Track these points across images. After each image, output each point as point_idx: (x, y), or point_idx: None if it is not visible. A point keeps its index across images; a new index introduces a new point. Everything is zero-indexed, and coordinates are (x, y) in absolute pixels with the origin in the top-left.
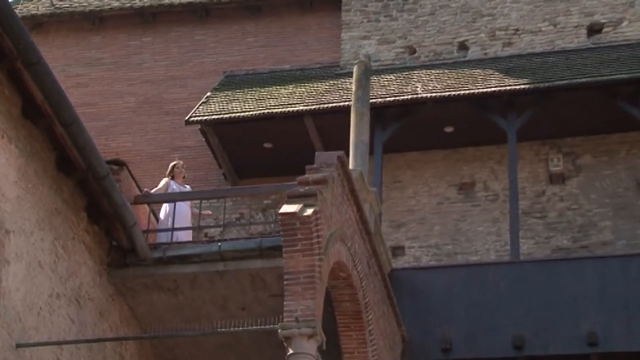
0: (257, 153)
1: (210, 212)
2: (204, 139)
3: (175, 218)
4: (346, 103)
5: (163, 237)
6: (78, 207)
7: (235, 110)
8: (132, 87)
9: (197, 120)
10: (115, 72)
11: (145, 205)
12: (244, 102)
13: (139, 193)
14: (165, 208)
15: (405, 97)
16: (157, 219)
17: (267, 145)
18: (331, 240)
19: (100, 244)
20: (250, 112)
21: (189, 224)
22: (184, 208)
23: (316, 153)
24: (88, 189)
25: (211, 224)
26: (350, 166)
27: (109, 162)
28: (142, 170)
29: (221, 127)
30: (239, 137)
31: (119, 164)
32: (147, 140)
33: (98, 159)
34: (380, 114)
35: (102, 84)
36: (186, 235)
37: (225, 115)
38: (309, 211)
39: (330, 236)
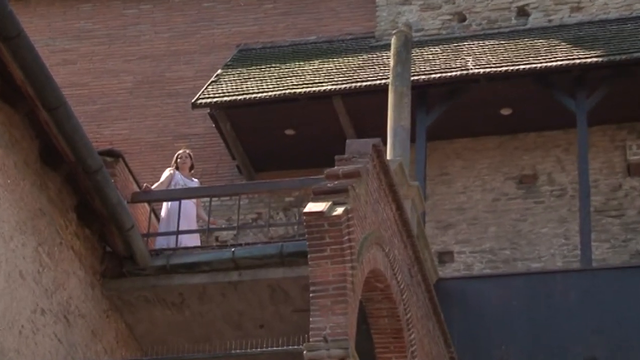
0: (277, 141)
1: (215, 221)
2: (213, 125)
3: (181, 219)
4: (383, 81)
5: (166, 242)
6: (66, 207)
7: (250, 91)
8: (128, 64)
9: (205, 103)
10: (109, 46)
11: (145, 204)
12: (261, 81)
13: (137, 189)
14: (168, 207)
15: (454, 73)
16: (159, 220)
17: (289, 132)
18: (365, 245)
19: (92, 250)
20: (269, 93)
21: (195, 225)
22: (191, 207)
23: (347, 141)
24: (77, 185)
25: (223, 226)
26: (388, 156)
27: (101, 153)
28: (141, 162)
29: (234, 110)
30: (256, 123)
31: (114, 155)
32: (147, 127)
33: (89, 149)
34: (424, 94)
35: (93, 60)
36: (193, 240)
37: (239, 97)
38: (339, 210)
39: (364, 240)
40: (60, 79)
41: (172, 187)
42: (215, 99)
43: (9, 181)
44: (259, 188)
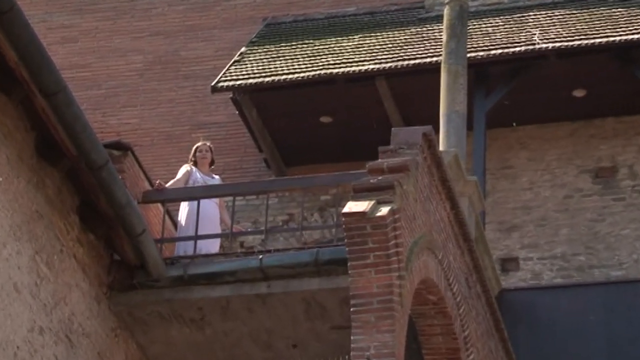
0: (311, 130)
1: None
2: (237, 112)
3: (201, 222)
4: (434, 59)
5: (183, 249)
6: (67, 209)
7: (280, 72)
8: (137, 41)
9: (227, 86)
10: (115, 21)
11: (159, 205)
12: (292, 60)
13: (149, 188)
14: (185, 208)
15: (518, 49)
16: (175, 223)
17: (325, 119)
18: (415, 251)
19: (97, 258)
20: (301, 74)
21: (219, 230)
22: (212, 208)
23: (393, 129)
24: (80, 183)
25: (249, 229)
26: (441, 147)
27: (107, 146)
28: (154, 156)
29: (261, 95)
30: (286, 109)
31: (122, 148)
32: (160, 114)
33: (93, 141)
34: (483, 74)
35: (97, 38)
36: (215, 246)
37: (267, 79)
38: (384, 210)
39: (413, 245)
40: (59, 59)
41: (191, 184)
42: (238, 82)
43: (0, 179)
44: (291, 185)
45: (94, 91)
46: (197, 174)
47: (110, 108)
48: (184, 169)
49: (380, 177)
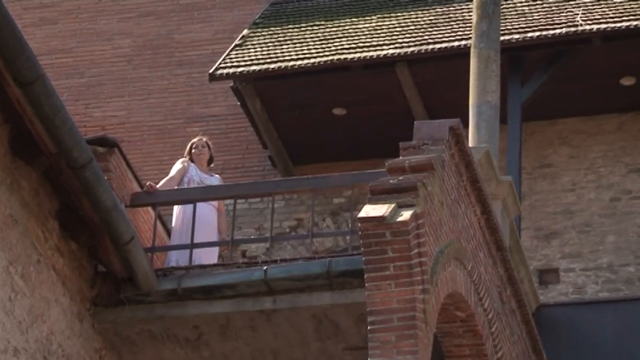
0: (322, 124)
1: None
2: (238, 104)
3: (197, 228)
4: (463, 42)
5: (177, 259)
6: (45, 214)
7: (286, 57)
8: (125, 23)
9: (227, 74)
10: (100, 0)
11: (149, 209)
12: (301, 44)
13: (138, 189)
14: (179, 212)
15: (558, 31)
16: (168, 229)
17: (339, 111)
18: (441, 261)
19: (79, 270)
20: (311, 60)
21: (217, 237)
22: (210, 212)
23: (416, 123)
24: (60, 184)
25: (252, 237)
26: (470, 143)
27: (91, 142)
28: (144, 153)
29: (265, 84)
30: (294, 100)
31: (108, 144)
32: (151, 106)
33: (74, 137)
34: (518, 60)
35: (79, 19)
36: (213, 255)
37: (272, 66)
38: (406, 215)
39: (439, 254)
40: (36, 44)
41: (185, 186)
42: (240, 69)
43: None
44: (299, 186)
45: (76, 80)
46: (193, 170)
47: (94, 99)
48: (178, 165)
49: (401, 177)
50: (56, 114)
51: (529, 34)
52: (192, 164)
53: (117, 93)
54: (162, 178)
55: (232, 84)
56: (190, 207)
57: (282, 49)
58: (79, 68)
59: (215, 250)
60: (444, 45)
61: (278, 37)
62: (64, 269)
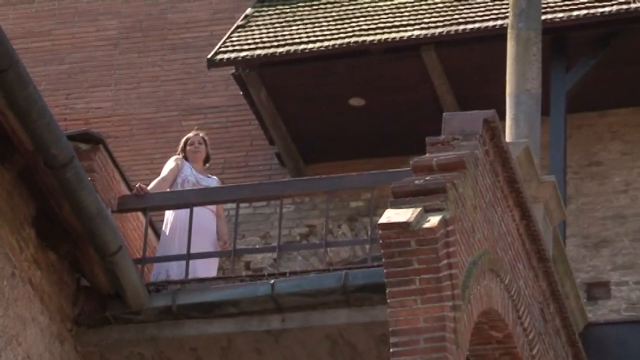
0: (337, 117)
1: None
2: (240, 93)
3: (194, 236)
4: (498, 22)
5: (171, 271)
6: (20, 220)
7: (296, 40)
8: (111, 2)
9: (228, 60)
10: None
11: (139, 215)
12: (312, 24)
13: (127, 192)
14: (173, 218)
15: (608, 9)
16: (160, 237)
17: (356, 101)
18: (474, 274)
19: (59, 284)
20: (324, 43)
21: (216, 246)
22: (209, 218)
23: (444, 115)
24: (37, 186)
25: (257, 246)
26: (508, 137)
27: (72, 138)
28: (132, 150)
29: (272, 70)
30: (305, 89)
31: (92, 140)
32: (141, 96)
33: (54, 132)
34: (562, 42)
35: None
36: (212, 267)
37: (279, 50)
38: (434, 220)
39: (472, 266)
40: (9, 25)
41: (179, 187)
42: (243, 53)
43: None
44: (311, 188)
45: (55, 66)
46: (189, 168)
47: (76, 88)
48: (171, 163)
49: (427, 177)
50: (32, 105)
51: (575, 12)
52: (186, 163)
53: (102, 81)
54: (154, 179)
55: (233, 71)
56: (184, 212)
57: (291, 30)
58: (58, 53)
59: (214, 262)
60: (476, 25)
61: (286, 16)
62: (41, 283)
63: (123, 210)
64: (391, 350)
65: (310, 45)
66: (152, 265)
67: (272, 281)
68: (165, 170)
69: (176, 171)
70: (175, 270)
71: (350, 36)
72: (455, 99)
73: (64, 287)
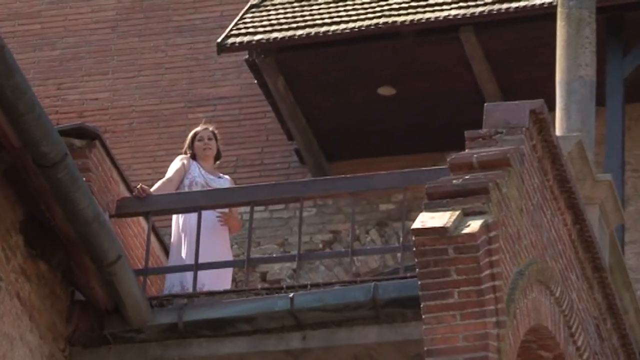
0: (364, 108)
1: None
2: (255, 82)
3: (203, 244)
4: (546, 0)
5: (178, 283)
6: (6, 226)
7: (318, 21)
8: None
9: (241, 44)
10: None
11: (141, 220)
12: (336, 3)
13: (127, 194)
14: (179, 223)
15: None
16: (165, 245)
17: (386, 91)
18: (520, 285)
19: (51, 299)
20: (350, 25)
21: (229, 254)
22: (219, 223)
23: (486, 105)
24: (26, 187)
25: (274, 255)
26: (558, 131)
27: (65, 133)
28: (133, 147)
29: (291, 56)
30: (328, 77)
31: (87, 135)
32: (142, 86)
33: (44, 126)
34: (619, 23)
35: None
36: (223, 278)
37: (299, 32)
38: (474, 225)
39: (518, 276)
40: None
41: (186, 189)
42: (257, 37)
43: None
44: (335, 189)
45: (46, 52)
46: (197, 168)
47: (69, 77)
48: (177, 162)
49: (467, 176)
50: (20, 97)
51: None
52: (194, 162)
53: (98, 69)
54: (157, 179)
55: (247, 57)
56: (193, 216)
57: (312, 10)
58: (49, 37)
59: (228, 273)
60: (522, 3)
61: None
62: (31, 297)
63: (122, 215)
64: None
65: (334, 27)
66: (161, 278)
67: (291, 294)
68: (170, 171)
69: (182, 172)
70: (190, 282)
71: (379, 16)
72: (499, 87)
73: (56, 301)
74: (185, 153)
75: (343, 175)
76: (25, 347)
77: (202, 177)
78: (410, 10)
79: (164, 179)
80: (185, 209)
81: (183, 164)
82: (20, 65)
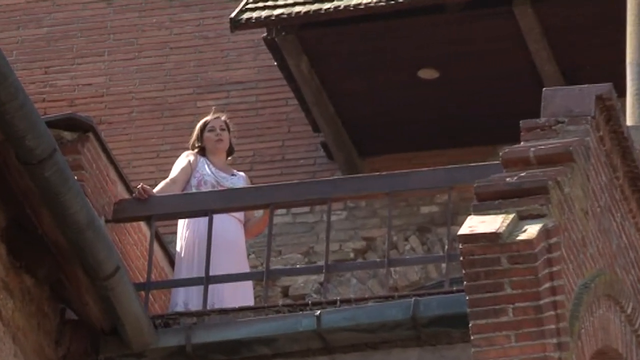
0: (403, 93)
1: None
2: (274, 64)
3: (215, 253)
4: None
5: (185, 300)
6: None
7: None
8: None
9: (258, 19)
10: None
11: (142, 225)
12: None
13: (126, 196)
14: (187, 229)
15: None
16: (171, 255)
17: (427, 73)
18: (586, 301)
19: (38, 317)
20: None
21: (245, 265)
22: (233, 229)
23: (544, 90)
24: (9, 188)
25: (298, 266)
26: (629, 120)
27: (54, 125)
28: (132, 140)
29: (316, 33)
30: (360, 58)
31: (79, 127)
32: (142, 69)
33: (29, 118)
34: None
35: None
36: (240, 294)
37: (325, 5)
38: (532, 230)
39: (583, 290)
40: None
41: (194, 190)
42: (276, 11)
43: None
44: (369, 188)
45: (32, 30)
46: (206, 165)
47: (58, 59)
48: (183, 160)
49: (523, 174)
50: (1, 83)
51: None
52: (202, 158)
53: (92, 50)
54: (161, 178)
55: (265, 34)
56: (203, 221)
57: None
58: (35, 13)
59: (248, 288)
60: None
61: None
62: (14, 316)
63: (121, 220)
64: None
65: (366, 0)
66: (166, 293)
67: (318, 312)
68: (174, 171)
69: (189, 170)
70: (195, 301)
71: None
72: (559, 70)
73: (44, 320)
74: (193, 147)
75: (378, 173)
76: None
77: (212, 176)
78: None
79: (166, 180)
80: (194, 212)
81: (189, 161)
82: (1, 46)
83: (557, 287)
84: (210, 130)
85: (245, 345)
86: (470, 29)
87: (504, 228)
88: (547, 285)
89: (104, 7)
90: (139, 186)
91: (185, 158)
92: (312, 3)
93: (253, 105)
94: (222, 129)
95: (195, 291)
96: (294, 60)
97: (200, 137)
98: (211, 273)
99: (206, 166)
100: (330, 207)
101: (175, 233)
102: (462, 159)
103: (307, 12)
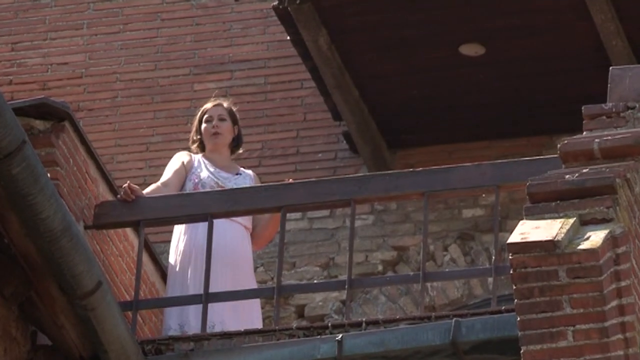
0: (441, 74)
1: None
2: (288, 38)
3: (214, 266)
4: None
5: (174, 326)
6: None
7: None
8: None
9: None
10: None
11: (128, 232)
12: None
13: (109, 197)
14: (182, 237)
15: None
16: (162, 268)
17: (470, 49)
18: None
19: (5, 342)
20: None
21: (252, 281)
22: (238, 235)
23: (611, 69)
24: None
25: (315, 281)
26: None
27: (23, 112)
28: (117, 131)
29: (338, 3)
30: (389, 31)
31: (53, 115)
32: (129, 45)
33: None
34: None
35: None
36: (246, 314)
37: None
38: (596, 238)
39: None
40: None
41: (191, 190)
42: None
43: None
44: (400, 188)
45: None
46: (203, 165)
47: (28, 33)
48: (175, 160)
49: (585, 170)
50: None
51: None
52: (199, 157)
53: (68, 23)
54: (151, 176)
55: (275, 3)
56: (202, 227)
57: None
58: None
59: (252, 308)
60: None
61: None
62: None
63: (103, 226)
64: None
65: None
66: (157, 313)
67: (340, 336)
68: (166, 173)
69: (183, 173)
70: (193, 323)
71: None
72: (630, 45)
73: (12, 346)
74: (192, 142)
75: (411, 169)
76: None
77: (211, 177)
78: None
79: (157, 183)
80: (191, 216)
81: (182, 162)
82: None
83: (626, 305)
84: (207, 121)
85: None
86: (523, 5)
87: (562, 235)
88: (613, 303)
89: None
90: (125, 185)
91: (178, 159)
92: None
93: (262, 89)
94: (222, 119)
95: (193, 311)
96: (311, 35)
97: (198, 128)
98: (211, 290)
99: (204, 166)
100: (354, 210)
101: (168, 242)
102: (512, 152)
103: None
